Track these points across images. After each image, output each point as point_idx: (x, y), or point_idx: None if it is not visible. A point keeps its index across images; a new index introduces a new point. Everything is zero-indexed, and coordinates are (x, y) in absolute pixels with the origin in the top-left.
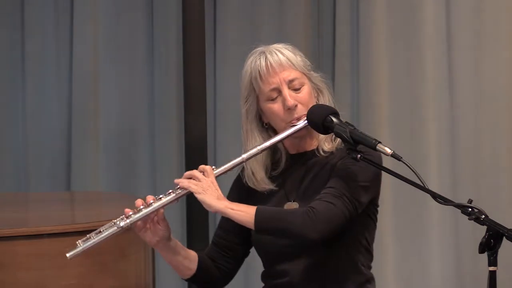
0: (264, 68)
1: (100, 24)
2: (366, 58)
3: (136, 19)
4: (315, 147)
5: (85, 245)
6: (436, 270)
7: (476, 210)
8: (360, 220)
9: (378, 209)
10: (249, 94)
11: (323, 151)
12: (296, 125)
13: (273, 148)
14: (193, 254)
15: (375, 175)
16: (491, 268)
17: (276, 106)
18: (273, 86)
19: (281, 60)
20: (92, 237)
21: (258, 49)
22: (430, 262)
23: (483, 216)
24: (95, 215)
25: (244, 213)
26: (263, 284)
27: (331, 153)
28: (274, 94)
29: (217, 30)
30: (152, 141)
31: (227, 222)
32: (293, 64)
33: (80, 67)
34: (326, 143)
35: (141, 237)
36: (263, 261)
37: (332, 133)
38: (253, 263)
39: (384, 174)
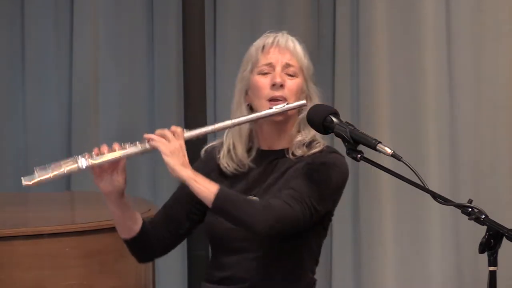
0: (270, 42)
1: (100, 24)
2: (366, 58)
3: (136, 19)
4: (286, 147)
5: (42, 176)
6: (436, 270)
7: (476, 210)
8: (315, 229)
9: (332, 218)
10: (247, 64)
11: (293, 154)
12: (273, 108)
13: (250, 135)
14: (139, 217)
15: (338, 187)
16: (491, 268)
17: (263, 80)
18: (269, 61)
19: (289, 45)
20: (50, 170)
21: (269, 32)
22: (430, 262)
23: (483, 216)
24: (95, 215)
25: (205, 189)
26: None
27: (301, 156)
28: (267, 69)
29: (217, 30)
30: None
31: (182, 195)
32: (297, 54)
33: (80, 67)
34: (299, 149)
35: (95, 183)
36: (212, 250)
37: (314, 142)
38: None
39: (384, 174)
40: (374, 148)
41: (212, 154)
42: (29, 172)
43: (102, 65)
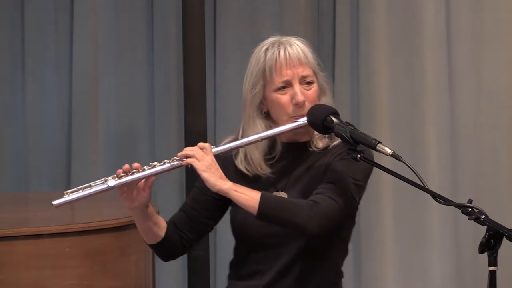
0: (282, 58)
1: (100, 24)
2: (366, 58)
3: (136, 19)
4: (307, 140)
5: (72, 197)
6: (436, 270)
7: (476, 210)
8: (345, 219)
9: (358, 207)
10: (258, 81)
11: (316, 147)
12: (298, 121)
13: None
14: (162, 222)
15: (368, 173)
16: (491, 268)
17: (284, 98)
18: (286, 78)
19: (300, 55)
20: (80, 190)
21: (272, 38)
22: (430, 262)
23: (483, 216)
24: (95, 215)
25: (248, 197)
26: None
27: (325, 148)
28: (284, 86)
29: (217, 30)
30: (152, 141)
31: (201, 195)
32: (309, 61)
33: (80, 67)
34: (320, 141)
35: (120, 199)
36: (237, 247)
37: (332, 133)
38: None
39: (384, 174)
40: (374, 148)
41: (229, 155)
42: (29, 172)
43: (102, 65)
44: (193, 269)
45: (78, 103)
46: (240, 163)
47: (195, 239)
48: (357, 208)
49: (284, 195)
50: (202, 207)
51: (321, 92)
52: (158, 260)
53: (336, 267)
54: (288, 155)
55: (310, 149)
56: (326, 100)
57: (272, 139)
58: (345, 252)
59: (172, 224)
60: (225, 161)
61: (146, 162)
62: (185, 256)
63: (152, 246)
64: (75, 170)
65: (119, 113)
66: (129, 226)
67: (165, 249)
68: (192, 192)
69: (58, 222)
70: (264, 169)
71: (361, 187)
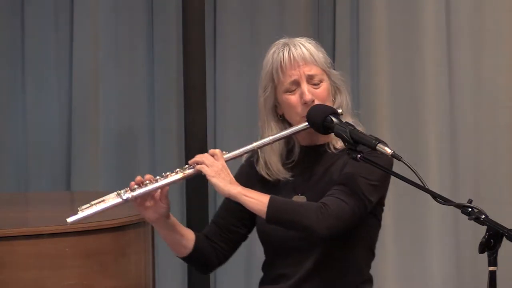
0: (287, 60)
1: (100, 24)
2: (366, 58)
3: (136, 19)
4: (326, 142)
5: (86, 213)
6: (436, 270)
7: (476, 210)
8: (366, 220)
9: (384, 208)
10: (268, 84)
11: (335, 148)
12: (301, 124)
13: (287, 137)
14: (190, 233)
15: (385, 174)
16: (491, 268)
17: (293, 99)
18: (293, 78)
19: (304, 54)
20: (94, 205)
21: (281, 40)
22: (430, 262)
23: (483, 216)
24: (95, 215)
25: (257, 201)
26: (262, 274)
27: (343, 149)
28: (293, 87)
29: (217, 30)
30: (152, 140)
31: (230, 204)
32: (315, 60)
33: (80, 67)
34: (338, 141)
35: (139, 212)
36: (265, 251)
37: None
38: (255, 251)
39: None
40: (374, 148)
41: (251, 162)
42: (29, 172)
43: (102, 65)
44: (193, 269)
45: (78, 103)
46: (261, 169)
47: (229, 250)
48: (382, 210)
49: (303, 198)
50: (231, 215)
51: (335, 91)
52: (158, 260)
53: (359, 270)
54: (306, 158)
55: (329, 150)
56: (342, 99)
57: (291, 143)
58: (371, 255)
59: (204, 236)
60: (250, 169)
61: (146, 162)
62: None
63: (183, 259)
64: (75, 170)
65: (119, 113)
66: (129, 226)
67: (197, 262)
68: (222, 202)
69: (58, 222)
70: (283, 173)
71: (376, 187)
